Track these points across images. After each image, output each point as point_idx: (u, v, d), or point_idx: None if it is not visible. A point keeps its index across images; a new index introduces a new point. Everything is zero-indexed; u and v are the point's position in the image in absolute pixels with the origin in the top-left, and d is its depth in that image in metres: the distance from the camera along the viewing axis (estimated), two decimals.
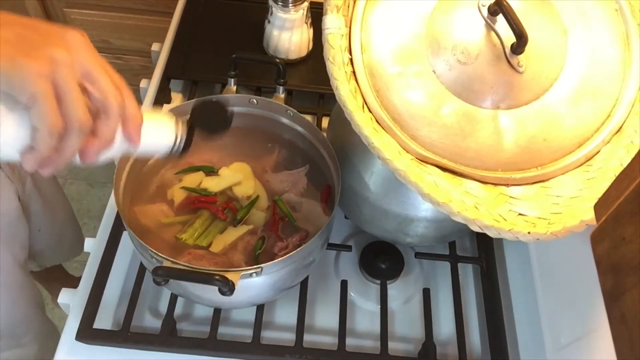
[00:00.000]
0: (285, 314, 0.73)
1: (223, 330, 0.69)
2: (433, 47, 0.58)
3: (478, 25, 0.58)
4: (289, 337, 0.70)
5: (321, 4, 0.58)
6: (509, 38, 0.56)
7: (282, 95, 0.77)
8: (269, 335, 0.71)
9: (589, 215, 0.54)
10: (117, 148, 0.44)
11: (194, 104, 0.53)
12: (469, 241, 0.83)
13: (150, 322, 0.72)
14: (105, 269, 0.72)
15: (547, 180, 0.57)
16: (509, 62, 0.57)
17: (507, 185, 0.57)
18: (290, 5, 0.91)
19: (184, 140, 0.50)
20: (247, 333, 0.68)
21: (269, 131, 0.76)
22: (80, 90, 0.38)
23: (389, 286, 0.75)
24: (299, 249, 0.60)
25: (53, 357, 0.68)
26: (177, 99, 0.96)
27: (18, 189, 0.93)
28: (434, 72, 0.57)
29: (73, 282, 0.73)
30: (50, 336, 1.17)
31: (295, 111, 0.73)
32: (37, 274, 1.31)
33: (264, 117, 0.75)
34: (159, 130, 0.49)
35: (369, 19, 0.59)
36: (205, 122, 0.52)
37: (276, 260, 0.59)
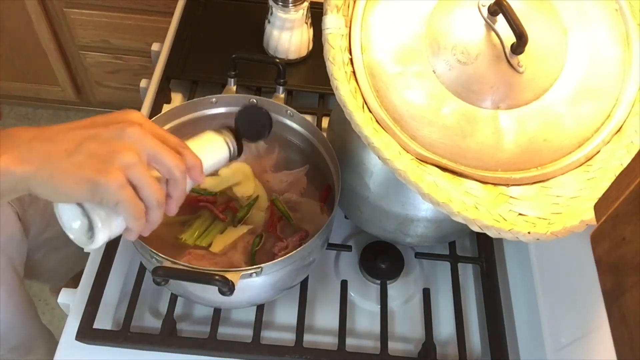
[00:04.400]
0: (285, 314, 0.73)
1: (223, 330, 0.70)
2: (433, 47, 0.58)
3: (478, 25, 0.58)
4: (289, 337, 0.70)
5: (321, 4, 0.58)
6: (509, 38, 0.56)
7: (282, 95, 0.77)
8: (269, 335, 0.71)
9: (589, 215, 0.54)
10: (187, 189, 0.51)
11: (239, 111, 0.60)
12: (469, 241, 0.83)
13: (150, 322, 0.72)
14: (105, 269, 0.72)
15: (547, 180, 0.57)
16: (509, 62, 0.57)
17: (507, 185, 0.57)
18: (290, 5, 0.91)
19: (236, 149, 0.57)
20: (247, 333, 0.68)
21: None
22: (150, 171, 0.46)
23: (389, 286, 0.75)
24: (299, 249, 0.60)
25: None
26: (177, 99, 0.96)
27: (18, 211, 0.95)
28: (434, 72, 0.57)
29: (75, 278, 0.74)
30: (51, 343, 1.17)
31: (295, 111, 0.73)
32: None
33: None
34: (215, 151, 0.56)
35: (369, 19, 0.59)
36: (248, 128, 0.58)
37: (276, 260, 0.59)
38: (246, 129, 0.58)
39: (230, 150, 0.56)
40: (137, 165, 0.44)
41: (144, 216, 0.46)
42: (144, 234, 0.48)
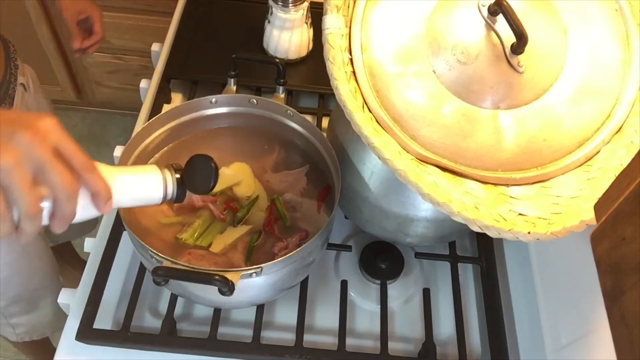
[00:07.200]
0: (285, 314, 0.73)
1: (223, 330, 0.70)
2: (433, 47, 0.58)
3: (478, 25, 0.58)
4: (289, 337, 0.70)
5: (321, 4, 0.58)
6: (509, 38, 0.56)
7: (282, 95, 0.77)
8: (269, 335, 0.71)
9: (589, 215, 0.54)
10: (87, 214, 0.47)
11: (188, 160, 0.55)
12: (469, 241, 0.83)
13: (150, 322, 0.72)
14: (105, 269, 0.72)
15: (547, 180, 0.57)
16: (509, 62, 0.57)
17: (507, 185, 0.56)
18: (290, 5, 0.91)
19: (174, 194, 0.52)
20: (247, 333, 0.68)
21: (269, 131, 0.76)
22: (31, 183, 0.42)
23: (389, 286, 0.75)
24: (299, 249, 0.60)
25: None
26: (177, 99, 0.96)
27: None
28: (434, 72, 0.57)
29: (84, 265, 0.75)
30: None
31: (295, 111, 0.73)
32: None
33: (264, 117, 0.75)
34: (146, 188, 0.51)
35: (369, 19, 0.59)
36: (194, 178, 0.54)
37: (276, 260, 0.59)
38: (192, 179, 0.54)
39: (164, 194, 0.52)
40: (11, 171, 0.41)
41: (8, 222, 0.43)
42: (20, 240, 0.46)
